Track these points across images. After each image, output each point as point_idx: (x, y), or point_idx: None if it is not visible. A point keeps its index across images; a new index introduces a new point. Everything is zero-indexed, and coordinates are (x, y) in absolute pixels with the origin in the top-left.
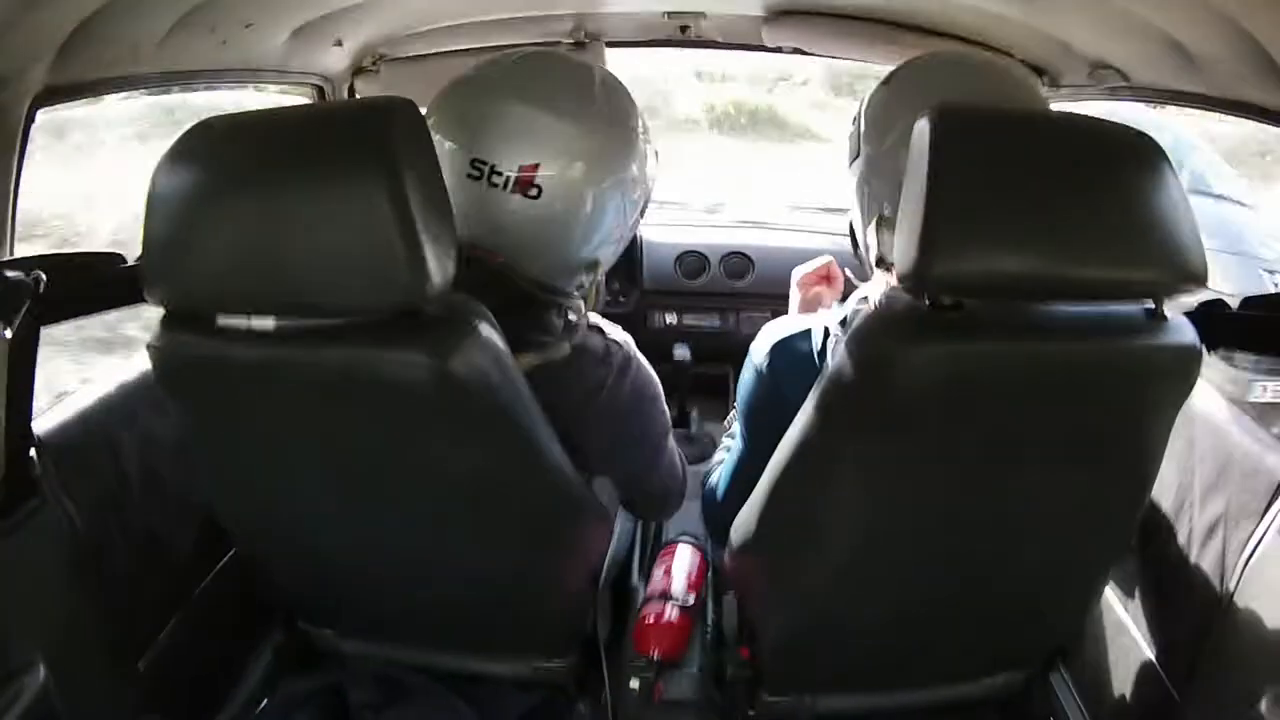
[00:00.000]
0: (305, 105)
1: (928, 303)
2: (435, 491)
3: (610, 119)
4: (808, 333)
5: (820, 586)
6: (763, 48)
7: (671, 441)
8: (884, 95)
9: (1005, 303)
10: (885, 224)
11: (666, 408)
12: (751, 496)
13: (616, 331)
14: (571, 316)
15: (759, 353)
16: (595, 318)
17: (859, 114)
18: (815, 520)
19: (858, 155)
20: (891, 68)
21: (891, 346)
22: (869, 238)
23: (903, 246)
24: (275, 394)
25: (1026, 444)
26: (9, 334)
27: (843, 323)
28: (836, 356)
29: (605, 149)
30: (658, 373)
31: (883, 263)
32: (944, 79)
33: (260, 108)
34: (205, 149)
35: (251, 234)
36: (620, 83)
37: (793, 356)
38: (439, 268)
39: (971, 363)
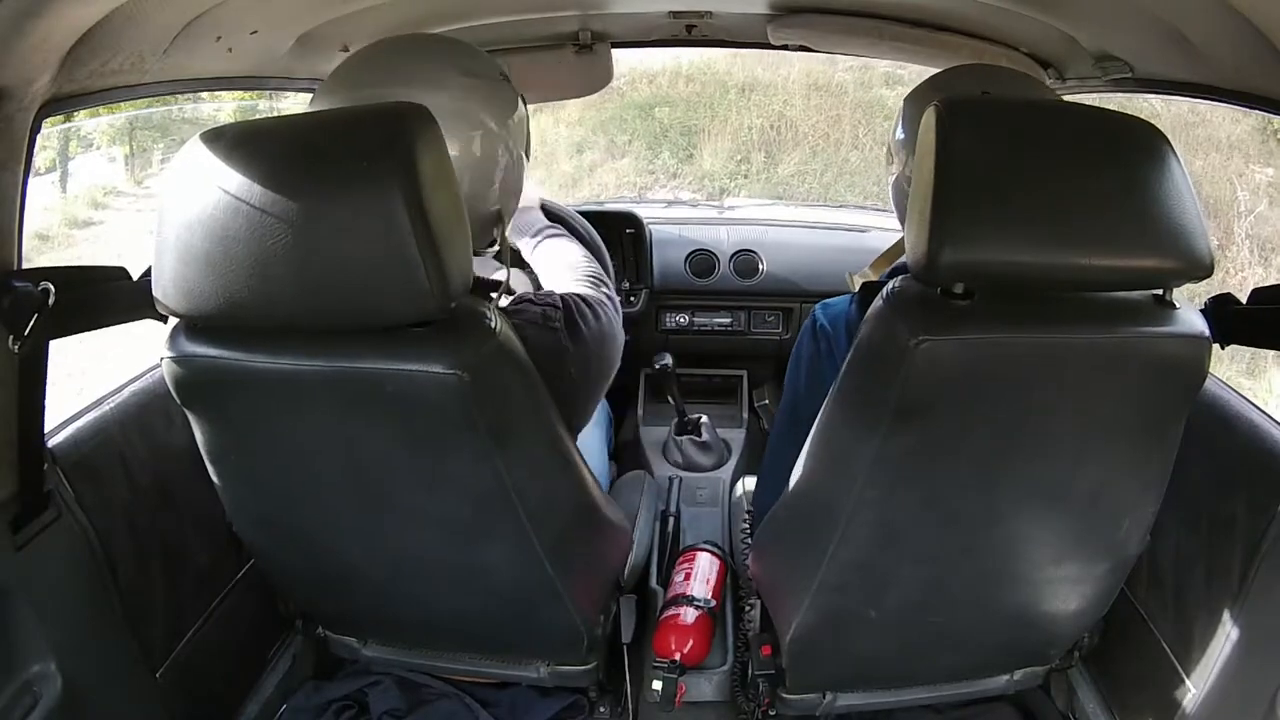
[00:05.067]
0: (317, 112)
1: (939, 291)
2: (457, 500)
3: (474, 74)
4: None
5: (838, 580)
6: (769, 45)
7: None
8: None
9: (1014, 291)
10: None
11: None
12: (783, 490)
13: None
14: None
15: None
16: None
17: (895, 122)
18: (832, 512)
19: (893, 160)
20: (899, 64)
21: (902, 335)
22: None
23: (912, 236)
24: (295, 404)
25: (1039, 435)
26: (18, 348)
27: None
28: (852, 346)
29: (476, 99)
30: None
31: None
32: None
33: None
34: (219, 158)
35: (269, 244)
36: (470, 45)
37: (836, 309)
38: (459, 276)
39: (981, 351)
